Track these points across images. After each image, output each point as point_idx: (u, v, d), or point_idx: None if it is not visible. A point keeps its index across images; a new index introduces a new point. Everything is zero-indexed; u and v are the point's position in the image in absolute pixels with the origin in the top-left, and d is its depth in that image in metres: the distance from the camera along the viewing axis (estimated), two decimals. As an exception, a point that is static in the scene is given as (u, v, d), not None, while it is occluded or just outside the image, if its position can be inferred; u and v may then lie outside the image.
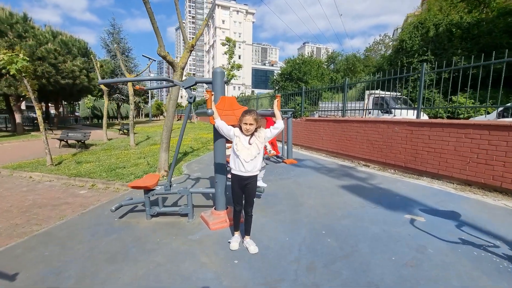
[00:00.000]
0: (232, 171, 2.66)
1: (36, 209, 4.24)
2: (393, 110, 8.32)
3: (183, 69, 5.58)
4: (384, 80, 6.93)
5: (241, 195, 2.75)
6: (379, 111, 9.70)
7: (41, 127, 6.97)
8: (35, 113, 30.30)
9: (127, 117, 43.64)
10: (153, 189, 3.46)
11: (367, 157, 6.88)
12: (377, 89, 10.61)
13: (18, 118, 17.01)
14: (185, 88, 3.16)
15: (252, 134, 2.57)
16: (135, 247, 2.82)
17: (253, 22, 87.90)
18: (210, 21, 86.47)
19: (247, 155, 2.52)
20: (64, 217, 3.83)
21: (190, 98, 3.18)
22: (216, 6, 77.94)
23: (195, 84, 3.25)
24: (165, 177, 5.72)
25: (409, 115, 6.67)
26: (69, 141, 10.92)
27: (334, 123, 8.13)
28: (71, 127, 23.87)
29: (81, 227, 3.37)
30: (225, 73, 15.95)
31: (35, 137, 14.98)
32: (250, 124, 2.52)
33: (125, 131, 16.95)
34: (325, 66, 30.97)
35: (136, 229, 3.25)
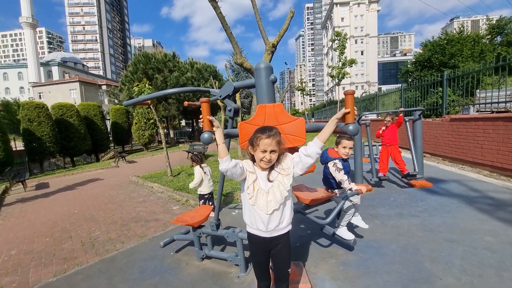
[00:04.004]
0: (248, 229, 1.61)
1: (133, 223, 4.61)
2: None
3: (264, 74, 4.83)
4: None
5: (265, 266, 1.66)
6: None
7: (163, 143, 8.14)
8: (189, 129, 38.79)
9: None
10: (201, 226, 2.82)
11: None
12: None
13: (171, 133, 22.15)
14: (222, 99, 2.32)
15: (271, 166, 1.51)
16: (162, 307, 2.22)
17: (378, 10, 77.79)
18: (328, 22, 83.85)
19: (267, 203, 1.45)
20: (143, 238, 3.86)
21: (229, 111, 2.30)
22: (334, 5, 74.53)
23: (237, 91, 2.35)
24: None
25: None
26: (194, 153, 12.69)
27: (507, 122, 5.03)
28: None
29: (140, 256, 3.18)
30: (335, 72, 14.03)
31: (179, 148, 18.83)
32: (271, 152, 1.42)
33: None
34: (487, 41, 22.29)
35: (179, 274, 2.68)
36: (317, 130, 1.85)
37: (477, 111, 8.01)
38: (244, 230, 2.59)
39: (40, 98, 37.19)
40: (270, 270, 1.73)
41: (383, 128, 5.16)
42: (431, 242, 2.83)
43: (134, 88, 7.71)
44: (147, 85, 7.64)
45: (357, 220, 2.69)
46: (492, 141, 5.43)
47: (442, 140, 7.12)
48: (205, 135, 1.52)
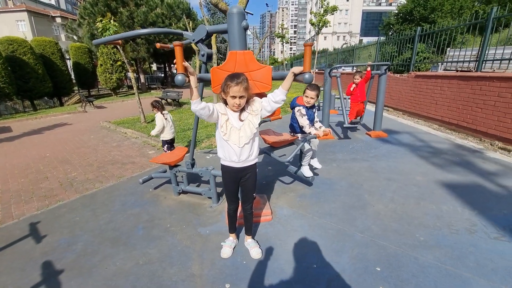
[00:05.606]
0: (222, 162, 1.94)
1: (109, 165, 4.77)
2: None
3: (240, 18, 4.65)
4: None
5: (235, 192, 2.05)
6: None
7: (135, 88, 7.84)
8: (161, 74, 36.27)
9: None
10: (177, 165, 3.09)
11: (511, 136, 4.39)
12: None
13: (142, 78, 20.81)
14: (195, 43, 2.35)
15: (242, 108, 1.75)
16: (143, 230, 2.58)
17: (368, -50, 71.24)
18: (315, -41, 75.81)
19: (239, 138, 1.75)
20: (121, 178, 4.09)
21: (202, 55, 2.37)
22: None
23: (210, 35, 2.38)
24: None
25: None
26: (168, 100, 12.35)
27: (460, 81, 5.54)
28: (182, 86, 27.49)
29: (120, 193, 3.46)
30: (316, 19, 13.42)
31: (152, 95, 18.03)
32: (240, 97, 1.65)
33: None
34: (468, -4, 22.06)
35: (158, 206, 3.04)
36: (282, 78, 2.04)
37: (444, 69, 8.51)
38: (216, 168, 2.92)
39: (-20, 29, 31.71)
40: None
41: (354, 85, 5.36)
42: (373, 180, 3.41)
43: (97, 24, 6.96)
44: (112, 21, 6.94)
45: (314, 161, 3.11)
46: (445, 98, 6.01)
47: (405, 95, 7.66)
48: (179, 77, 1.63)
